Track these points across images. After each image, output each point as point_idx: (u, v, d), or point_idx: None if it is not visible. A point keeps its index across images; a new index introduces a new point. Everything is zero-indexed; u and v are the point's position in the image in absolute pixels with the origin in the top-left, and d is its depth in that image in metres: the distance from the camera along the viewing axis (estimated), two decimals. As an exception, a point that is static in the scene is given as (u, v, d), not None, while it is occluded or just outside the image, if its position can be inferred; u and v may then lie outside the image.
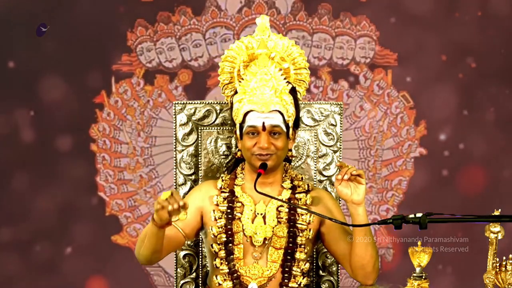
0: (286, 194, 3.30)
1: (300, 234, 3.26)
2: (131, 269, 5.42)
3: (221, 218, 3.27)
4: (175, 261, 3.56)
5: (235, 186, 3.32)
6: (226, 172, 3.46)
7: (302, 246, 3.25)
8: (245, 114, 3.23)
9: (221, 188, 3.32)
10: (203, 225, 3.33)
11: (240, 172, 3.35)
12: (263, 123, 3.21)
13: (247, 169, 3.33)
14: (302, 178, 3.37)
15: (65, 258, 5.38)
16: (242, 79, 3.29)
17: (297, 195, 3.31)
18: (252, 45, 3.33)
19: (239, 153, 3.34)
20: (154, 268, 5.43)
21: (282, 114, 3.22)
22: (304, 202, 3.29)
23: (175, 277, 3.58)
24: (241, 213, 3.28)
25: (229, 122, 3.52)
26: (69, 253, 5.39)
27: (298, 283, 3.25)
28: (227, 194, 3.30)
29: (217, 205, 3.29)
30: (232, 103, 3.30)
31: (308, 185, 3.35)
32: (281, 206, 3.28)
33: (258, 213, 3.28)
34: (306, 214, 3.26)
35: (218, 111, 3.53)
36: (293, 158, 3.50)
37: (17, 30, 5.33)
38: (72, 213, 5.37)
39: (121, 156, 5.43)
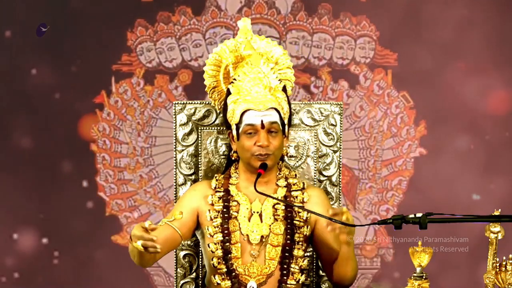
0: (281, 192, 3.31)
1: (298, 231, 3.26)
2: (131, 269, 5.42)
3: (216, 217, 3.27)
4: (175, 261, 3.56)
5: (230, 185, 3.32)
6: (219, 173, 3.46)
7: (300, 243, 3.26)
8: (242, 114, 3.23)
9: (215, 187, 3.32)
10: (199, 225, 3.33)
11: (234, 172, 3.35)
12: (262, 121, 3.21)
13: (241, 168, 3.33)
14: (295, 175, 3.37)
15: (65, 258, 5.39)
16: (234, 79, 3.29)
17: (293, 193, 3.31)
18: (237, 48, 3.34)
19: (235, 155, 3.34)
20: (154, 268, 5.43)
21: (278, 111, 3.23)
22: (301, 199, 3.30)
23: (175, 277, 3.58)
24: (237, 212, 3.28)
25: (224, 125, 3.51)
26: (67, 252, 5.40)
27: (297, 280, 3.25)
28: (222, 193, 3.30)
29: (212, 204, 3.29)
30: (225, 105, 3.30)
31: (303, 183, 3.35)
32: (277, 203, 3.28)
33: (254, 212, 3.28)
34: (303, 211, 3.27)
35: (218, 111, 3.53)
36: (293, 158, 3.50)
37: (17, 33, 5.34)
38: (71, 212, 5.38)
39: (121, 156, 5.43)
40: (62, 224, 5.36)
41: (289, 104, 3.31)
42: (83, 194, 5.40)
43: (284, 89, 3.31)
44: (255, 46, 3.34)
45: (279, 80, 3.28)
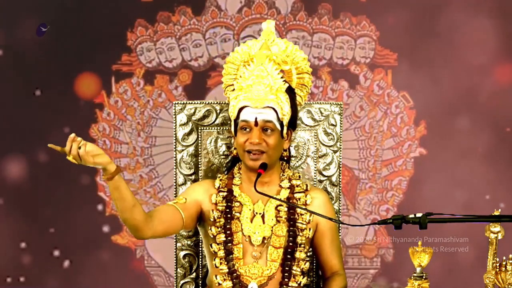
0: (284, 194, 3.31)
1: (300, 234, 3.27)
2: (131, 269, 5.43)
3: (220, 218, 3.27)
4: (175, 261, 3.56)
5: (233, 186, 3.32)
6: (225, 172, 3.46)
7: (302, 245, 3.26)
8: (240, 110, 3.24)
9: (219, 187, 3.32)
10: (202, 224, 3.33)
11: (237, 172, 3.35)
12: (256, 118, 3.21)
13: (243, 168, 3.33)
14: (299, 176, 3.37)
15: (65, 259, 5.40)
16: (240, 76, 3.29)
17: (296, 195, 3.31)
18: (255, 48, 3.34)
19: (234, 151, 3.35)
20: (154, 268, 5.43)
21: (276, 111, 3.23)
22: (304, 201, 3.30)
23: (175, 277, 3.58)
24: (240, 213, 3.28)
25: (229, 122, 3.52)
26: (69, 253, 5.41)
27: (298, 282, 3.25)
28: (225, 193, 3.30)
29: (216, 204, 3.29)
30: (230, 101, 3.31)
31: (306, 184, 3.35)
32: (280, 205, 3.28)
33: (256, 213, 3.28)
34: (306, 213, 3.27)
35: (218, 111, 3.53)
36: (293, 158, 3.50)
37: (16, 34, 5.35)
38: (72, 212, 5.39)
39: (121, 156, 5.43)
40: (69, 231, 5.39)
41: (295, 106, 3.31)
42: (84, 193, 5.42)
43: (290, 91, 3.30)
44: (276, 48, 3.34)
45: (284, 81, 3.28)
